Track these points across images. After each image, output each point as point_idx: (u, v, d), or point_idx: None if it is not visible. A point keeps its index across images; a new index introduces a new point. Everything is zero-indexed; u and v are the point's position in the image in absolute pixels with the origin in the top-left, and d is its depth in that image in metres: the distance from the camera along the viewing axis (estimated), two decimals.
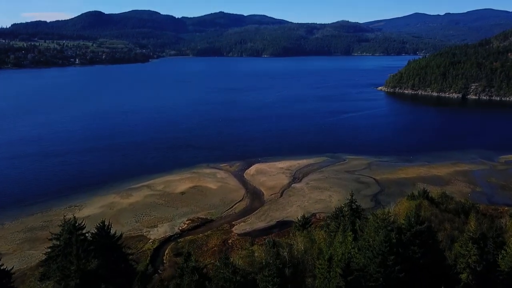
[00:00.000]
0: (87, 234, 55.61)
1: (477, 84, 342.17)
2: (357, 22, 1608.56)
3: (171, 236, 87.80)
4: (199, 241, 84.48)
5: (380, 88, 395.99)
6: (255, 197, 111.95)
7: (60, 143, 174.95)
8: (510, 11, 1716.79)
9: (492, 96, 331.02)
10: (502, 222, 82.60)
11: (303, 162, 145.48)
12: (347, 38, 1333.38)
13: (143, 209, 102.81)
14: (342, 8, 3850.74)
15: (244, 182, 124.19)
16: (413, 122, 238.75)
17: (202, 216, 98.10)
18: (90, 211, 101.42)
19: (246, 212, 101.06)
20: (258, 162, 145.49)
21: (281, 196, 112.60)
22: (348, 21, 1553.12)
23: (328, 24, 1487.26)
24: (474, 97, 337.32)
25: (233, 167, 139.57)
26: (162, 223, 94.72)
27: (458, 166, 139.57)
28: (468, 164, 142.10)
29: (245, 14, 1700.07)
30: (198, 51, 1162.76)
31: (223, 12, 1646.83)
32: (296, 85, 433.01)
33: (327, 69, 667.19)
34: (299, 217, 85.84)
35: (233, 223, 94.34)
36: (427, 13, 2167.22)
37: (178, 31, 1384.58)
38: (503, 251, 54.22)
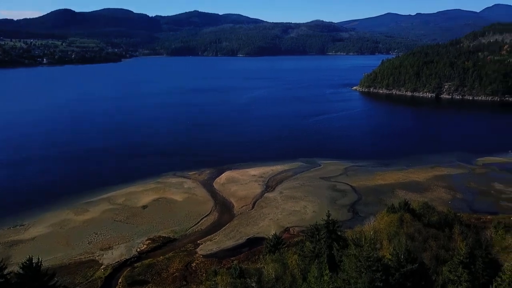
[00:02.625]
0: (8, 276, 45.81)
1: (450, 83, 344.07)
2: (332, 22, 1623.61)
3: (127, 260, 77.82)
4: (158, 266, 74.92)
5: (355, 88, 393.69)
6: (225, 210, 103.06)
7: (5, 151, 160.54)
8: (478, 11, 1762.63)
9: (464, 96, 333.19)
10: (487, 235, 77.13)
11: (277, 168, 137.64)
12: (322, 37, 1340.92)
13: (99, 228, 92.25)
14: (316, 8, 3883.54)
15: (213, 193, 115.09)
16: (388, 123, 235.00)
17: (164, 235, 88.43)
18: (37, 231, 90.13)
19: (213, 228, 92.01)
20: (230, 169, 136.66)
21: (252, 208, 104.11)
22: (322, 20, 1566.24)
23: (303, 23, 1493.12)
24: (447, 96, 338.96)
25: (202, 175, 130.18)
26: (119, 244, 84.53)
27: (436, 170, 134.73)
28: (447, 168, 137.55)
29: (220, 13, 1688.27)
30: (172, 51, 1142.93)
31: (198, 11, 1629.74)
32: (271, 85, 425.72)
33: (302, 69, 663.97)
34: (271, 235, 77.90)
35: (198, 242, 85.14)
36: (399, 13, 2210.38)
37: (152, 30, 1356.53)
38: (498, 278, 47.89)
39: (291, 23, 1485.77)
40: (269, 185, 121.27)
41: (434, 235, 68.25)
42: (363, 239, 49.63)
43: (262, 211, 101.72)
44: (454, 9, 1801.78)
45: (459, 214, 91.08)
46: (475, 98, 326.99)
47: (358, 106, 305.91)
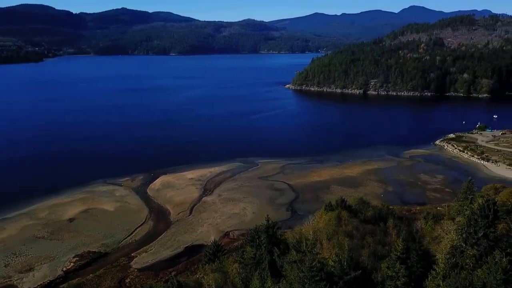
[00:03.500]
0: None
1: (375, 80, 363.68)
2: (263, 21, 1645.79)
3: (51, 282, 70.51)
4: (88, 285, 68.67)
5: (288, 86, 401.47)
6: (161, 218, 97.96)
7: None
8: (396, 12, 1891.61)
9: (389, 91, 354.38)
10: (418, 226, 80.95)
11: (215, 170, 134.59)
12: (254, 36, 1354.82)
13: (18, 247, 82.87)
14: (247, 7, 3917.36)
15: (147, 200, 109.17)
16: (321, 120, 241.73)
17: (94, 250, 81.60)
18: None
19: (149, 239, 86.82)
20: (165, 173, 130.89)
21: (190, 213, 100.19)
22: (254, 19, 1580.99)
23: (235, 22, 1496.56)
24: (374, 92, 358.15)
25: (135, 182, 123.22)
26: (41, 264, 76.38)
27: (368, 165, 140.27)
28: (377, 162, 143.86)
29: (150, 11, 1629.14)
30: (100, 49, 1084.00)
31: (126, 8, 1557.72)
32: (205, 84, 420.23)
33: (236, 68, 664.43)
34: (210, 242, 75.02)
35: (132, 254, 79.66)
36: (326, 13, 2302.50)
37: (77, 28, 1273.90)
38: (433, 271, 49.52)
39: (223, 22, 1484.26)
40: (207, 188, 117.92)
41: (371, 231, 69.82)
42: (304, 244, 48.67)
43: (200, 216, 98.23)
44: (375, 10, 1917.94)
45: (391, 207, 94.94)
46: (398, 93, 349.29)
47: (292, 104, 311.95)
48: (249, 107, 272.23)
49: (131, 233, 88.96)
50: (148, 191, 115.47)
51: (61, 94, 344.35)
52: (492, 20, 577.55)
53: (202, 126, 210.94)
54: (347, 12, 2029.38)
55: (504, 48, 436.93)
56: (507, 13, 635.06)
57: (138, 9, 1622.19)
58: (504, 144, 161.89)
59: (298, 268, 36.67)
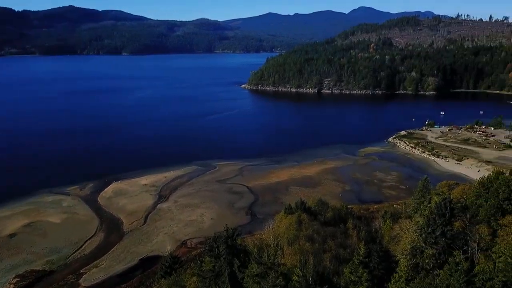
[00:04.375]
0: None
1: (329, 79, 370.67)
2: (217, 20, 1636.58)
3: None
4: None
5: (243, 86, 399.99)
6: (113, 228, 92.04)
7: None
8: (346, 13, 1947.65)
9: (342, 90, 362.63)
10: (377, 225, 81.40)
11: (171, 174, 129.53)
12: (208, 35, 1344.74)
13: None
14: (201, 6, 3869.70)
15: (98, 209, 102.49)
16: (277, 120, 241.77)
17: (38, 268, 74.77)
18: None
19: (100, 252, 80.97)
20: (117, 180, 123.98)
21: (145, 222, 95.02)
22: (208, 19, 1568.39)
23: (189, 21, 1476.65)
24: (328, 91, 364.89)
25: (85, 190, 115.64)
26: None
27: (325, 164, 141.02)
28: (334, 161, 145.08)
29: (100, 9, 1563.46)
30: (46, 49, 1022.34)
31: (73, 6, 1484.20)
32: (160, 85, 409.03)
33: (191, 67, 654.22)
34: (166, 252, 71.25)
35: (82, 271, 73.77)
36: (279, 13, 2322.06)
37: (21, 26, 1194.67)
38: (395, 274, 49.07)
39: (176, 21, 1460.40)
40: (163, 195, 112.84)
41: (331, 233, 68.94)
42: (265, 254, 46.32)
43: (155, 225, 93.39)
44: (327, 10, 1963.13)
45: (350, 206, 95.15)
46: (351, 92, 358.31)
47: (248, 104, 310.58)
48: (205, 108, 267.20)
49: (80, 247, 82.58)
50: (98, 200, 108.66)
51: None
52: (435, 21, 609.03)
53: (156, 128, 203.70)
54: (299, 13, 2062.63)
55: (447, 47, 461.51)
56: (448, 15, 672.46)
57: (87, 7, 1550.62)
58: (451, 140, 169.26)
59: (261, 286, 34.11)
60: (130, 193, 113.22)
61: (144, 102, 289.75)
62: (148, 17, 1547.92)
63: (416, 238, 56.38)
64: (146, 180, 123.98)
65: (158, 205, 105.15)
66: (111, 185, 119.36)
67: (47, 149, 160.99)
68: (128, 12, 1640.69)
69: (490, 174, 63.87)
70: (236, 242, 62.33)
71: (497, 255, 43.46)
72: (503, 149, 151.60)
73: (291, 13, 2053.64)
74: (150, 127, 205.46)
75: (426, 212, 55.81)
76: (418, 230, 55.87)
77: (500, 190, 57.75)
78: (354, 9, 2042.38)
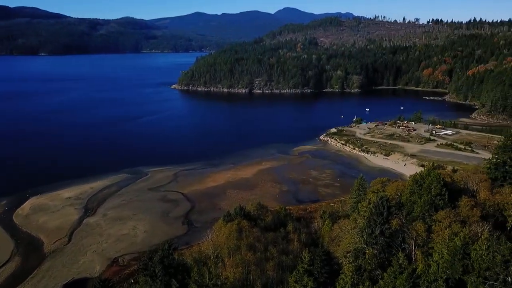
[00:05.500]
0: None
1: (260, 79, 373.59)
2: (143, 19, 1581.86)
3: None
4: None
5: (174, 86, 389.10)
6: (31, 251, 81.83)
7: None
8: (272, 13, 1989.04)
9: (273, 90, 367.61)
10: (317, 226, 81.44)
11: (98, 184, 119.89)
12: (135, 35, 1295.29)
13: None
14: (125, 4, 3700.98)
15: (13, 230, 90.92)
16: (210, 121, 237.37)
17: None
18: None
19: (16, 280, 71.27)
20: (35, 194, 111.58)
21: (69, 241, 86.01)
22: (133, 17, 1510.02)
23: (112, 20, 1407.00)
24: (259, 91, 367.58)
25: None
26: None
27: (261, 165, 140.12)
28: (270, 161, 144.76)
29: (11, 6, 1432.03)
30: None
31: None
32: (83, 87, 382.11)
33: (117, 68, 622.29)
34: (95, 273, 64.66)
35: None
36: (207, 12, 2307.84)
37: None
38: (340, 280, 48.37)
39: (99, 19, 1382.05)
40: (89, 208, 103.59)
41: (273, 240, 67.15)
42: (206, 272, 42.81)
43: (82, 242, 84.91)
44: (253, 11, 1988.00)
45: (289, 208, 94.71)
46: (282, 91, 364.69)
47: (179, 105, 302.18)
48: (133, 111, 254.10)
49: None
50: (14, 219, 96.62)
51: None
52: (356, 22, 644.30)
53: (80, 134, 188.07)
54: (227, 12, 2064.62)
55: (368, 47, 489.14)
56: (366, 16, 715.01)
57: None
58: (378, 136, 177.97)
59: None
60: (51, 208, 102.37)
61: (65, 107, 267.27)
62: (67, 15, 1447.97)
63: (358, 240, 56.52)
64: (70, 192, 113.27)
65: (85, 220, 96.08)
66: (28, 201, 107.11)
67: None
68: (45, 9, 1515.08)
69: (422, 170, 66.22)
70: (173, 258, 58.01)
71: (439, 255, 44.10)
72: (425, 143, 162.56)
73: (219, 13, 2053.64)
74: (74, 133, 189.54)
75: (366, 214, 55.78)
76: (359, 232, 56.06)
77: (432, 186, 59.83)
78: (280, 10, 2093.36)
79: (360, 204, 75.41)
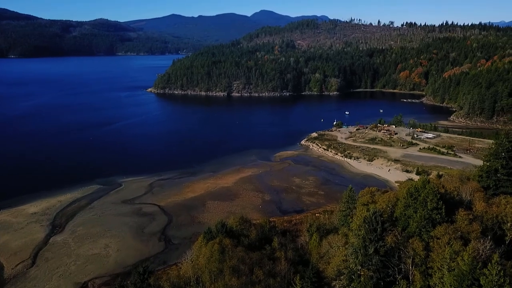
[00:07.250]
0: None
1: (238, 82, 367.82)
2: (117, 21, 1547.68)
3: None
4: None
5: (150, 89, 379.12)
6: None
7: None
8: (249, 15, 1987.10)
9: (252, 93, 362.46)
10: (303, 240, 76.52)
11: (66, 197, 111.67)
12: (109, 37, 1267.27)
13: None
14: (98, 6, 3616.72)
15: None
16: (189, 126, 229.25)
17: None
18: None
19: None
20: None
21: (33, 263, 78.14)
22: (107, 19, 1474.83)
23: (86, 22, 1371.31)
24: (237, 94, 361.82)
25: None
26: None
27: (242, 172, 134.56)
28: (251, 168, 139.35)
29: None
30: None
31: None
32: (54, 91, 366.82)
33: (90, 71, 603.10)
34: None
35: None
36: (182, 14, 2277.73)
37: None
38: None
39: (72, 21, 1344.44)
40: (57, 224, 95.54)
41: (258, 260, 61.54)
42: None
43: (47, 265, 77.20)
44: (230, 13, 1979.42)
45: (272, 219, 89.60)
46: (260, 94, 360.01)
47: (156, 109, 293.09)
48: (106, 116, 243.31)
49: None
50: None
51: None
52: (332, 25, 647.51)
53: (47, 142, 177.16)
54: (203, 15, 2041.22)
55: (345, 49, 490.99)
56: (341, 19, 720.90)
57: None
58: (360, 140, 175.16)
59: None
60: (14, 226, 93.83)
61: (33, 113, 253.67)
62: (39, 17, 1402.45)
63: (352, 260, 51.91)
64: (35, 207, 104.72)
65: (51, 238, 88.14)
66: None
67: None
68: (14, 10, 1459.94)
69: (416, 182, 62.17)
70: (149, 284, 52.24)
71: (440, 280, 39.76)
72: (407, 147, 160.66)
73: (195, 15, 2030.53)
74: (40, 141, 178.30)
75: (360, 232, 51.15)
76: (354, 253, 51.47)
77: (428, 199, 55.83)
78: (256, 12, 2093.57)
79: (350, 218, 71.16)
